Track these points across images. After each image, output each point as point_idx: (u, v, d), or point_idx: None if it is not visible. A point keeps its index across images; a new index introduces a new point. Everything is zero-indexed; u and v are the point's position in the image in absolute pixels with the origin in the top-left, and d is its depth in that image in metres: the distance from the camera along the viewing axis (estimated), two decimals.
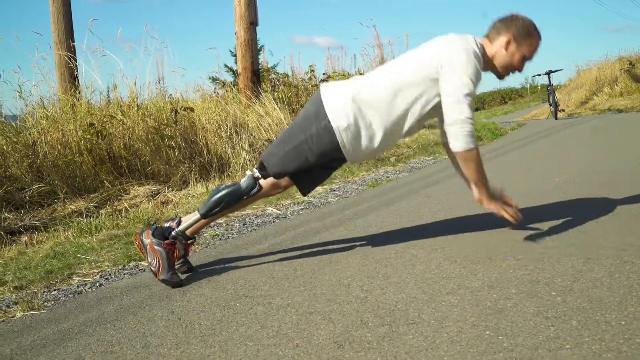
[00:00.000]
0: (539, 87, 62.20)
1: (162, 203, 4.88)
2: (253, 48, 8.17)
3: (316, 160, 2.44)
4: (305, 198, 4.45)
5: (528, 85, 65.48)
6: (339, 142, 2.37)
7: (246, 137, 6.72)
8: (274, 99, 7.82)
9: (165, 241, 2.46)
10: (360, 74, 10.01)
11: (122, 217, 4.28)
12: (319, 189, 4.93)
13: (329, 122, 2.35)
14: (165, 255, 2.42)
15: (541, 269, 2.12)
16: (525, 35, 2.41)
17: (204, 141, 6.30)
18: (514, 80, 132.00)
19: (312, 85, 9.50)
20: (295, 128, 2.47)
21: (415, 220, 3.23)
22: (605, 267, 2.06)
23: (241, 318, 1.96)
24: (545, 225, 2.73)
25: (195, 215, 2.53)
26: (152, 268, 2.42)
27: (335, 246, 2.83)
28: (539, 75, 12.45)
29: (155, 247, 2.45)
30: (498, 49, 2.42)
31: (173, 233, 2.50)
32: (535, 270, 2.10)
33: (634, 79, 18.05)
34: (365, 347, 1.61)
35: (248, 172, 2.52)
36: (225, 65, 17.20)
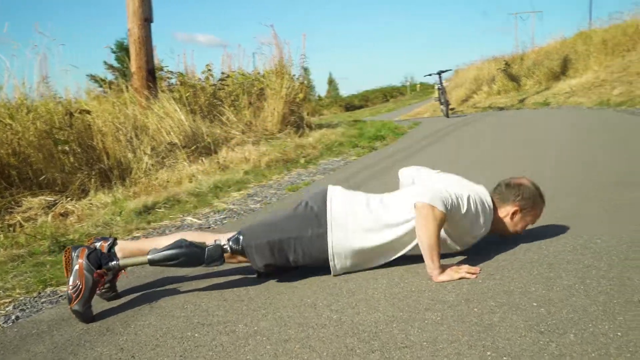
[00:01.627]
0: (418, 86, 64.93)
1: (62, 215, 4.45)
2: (148, 46, 7.76)
3: (295, 262, 2.30)
4: (225, 205, 4.23)
5: (408, 83, 68.14)
6: (329, 254, 2.26)
7: (148, 140, 6.34)
8: (173, 100, 7.45)
9: (98, 270, 2.17)
10: (259, 74, 9.85)
11: (17, 233, 3.85)
12: (235, 194, 4.73)
13: (326, 231, 2.24)
14: (91, 285, 2.13)
15: (509, 277, 2.08)
16: (531, 206, 2.38)
17: (101, 146, 5.85)
18: (394, 79, 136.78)
19: (209, 85, 9.18)
20: (290, 220, 2.32)
21: None
22: (571, 272, 2.06)
23: (207, 352, 1.75)
24: None
25: (142, 257, 2.24)
26: (69, 291, 2.11)
27: None
28: (430, 75, 12.88)
29: (85, 271, 2.16)
30: (504, 216, 2.38)
31: (110, 264, 2.21)
32: (505, 280, 2.06)
33: (510, 78, 19.22)
34: None
35: (217, 241, 2.29)
36: (105, 63, 16.13)
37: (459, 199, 2.18)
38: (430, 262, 2.13)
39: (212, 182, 5.13)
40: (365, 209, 2.29)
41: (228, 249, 2.27)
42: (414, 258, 2.29)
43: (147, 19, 7.67)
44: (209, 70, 9.39)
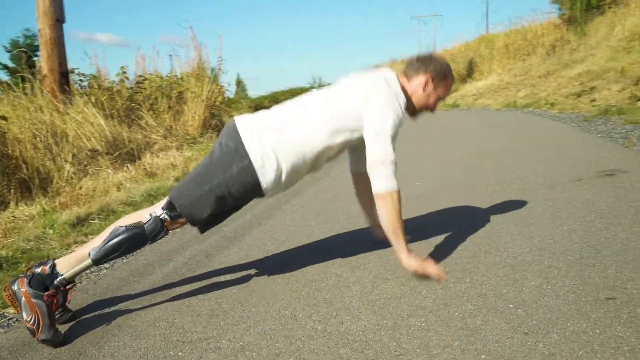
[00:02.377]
0: (327, 87, 65.21)
1: None
2: (60, 47, 7.44)
3: (234, 203, 2.24)
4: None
5: (316, 84, 68.78)
6: (261, 181, 2.18)
7: (69, 147, 6.05)
8: (91, 104, 7.16)
9: (47, 292, 2.05)
10: (177, 77, 9.64)
11: None
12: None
13: (251, 161, 2.15)
14: (46, 310, 2.01)
15: (479, 280, 2.17)
16: (442, 76, 2.40)
17: (18, 154, 5.52)
18: (302, 80, 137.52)
19: (125, 88, 8.86)
20: (211, 166, 2.20)
21: (309, 235, 3.13)
22: (535, 273, 2.17)
23: None
24: (443, 233, 2.82)
25: (85, 261, 2.13)
26: (28, 325, 1.99)
27: (243, 271, 2.63)
28: None
29: (33, 299, 2.02)
30: (416, 88, 2.38)
31: (56, 282, 2.09)
32: (475, 283, 2.15)
33: None
34: None
35: (152, 214, 2.19)
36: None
37: (393, 132, 2.20)
38: (398, 245, 2.19)
39: (144, 190, 4.98)
40: (274, 121, 2.27)
41: (167, 217, 2.18)
42: (382, 264, 2.33)
43: (58, 20, 7.34)
44: (124, 72, 9.05)
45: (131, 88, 8.95)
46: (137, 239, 2.12)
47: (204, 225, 2.32)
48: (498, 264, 2.32)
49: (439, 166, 4.87)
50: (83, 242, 3.56)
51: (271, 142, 2.18)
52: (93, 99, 7.40)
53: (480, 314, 1.87)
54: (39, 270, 2.11)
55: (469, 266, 2.34)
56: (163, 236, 2.18)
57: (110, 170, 6.03)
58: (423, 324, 1.85)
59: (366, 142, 2.20)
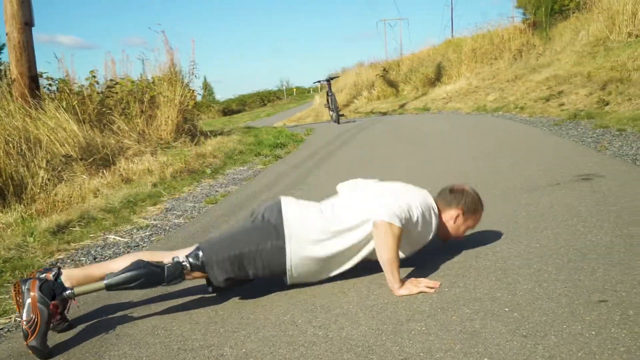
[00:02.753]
0: (295, 90, 65.54)
1: None
2: (30, 51, 7.33)
3: (254, 274, 2.31)
4: (146, 221, 4.10)
5: (284, 87, 68.64)
6: (287, 266, 2.29)
7: (42, 153, 5.95)
8: (62, 108, 7.05)
9: (53, 302, 2.05)
10: (149, 81, 9.54)
11: None
12: (151, 208, 4.59)
13: (285, 245, 2.26)
14: (47, 319, 2.01)
15: (472, 285, 2.22)
16: (473, 210, 2.55)
17: None
18: (270, 83, 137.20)
19: (96, 93, 8.74)
20: (249, 233, 2.32)
21: None
22: (526, 277, 2.23)
23: None
24: None
25: (97, 283, 2.15)
26: (24, 327, 1.99)
27: None
28: (319, 82, 13.13)
29: (39, 304, 2.03)
30: (447, 219, 2.52)
31: (65, 294, 2.11)
32: (469, 287, 2.20)
33: (389, 83, 20.04)
34: None
35: (175, 258, 2.24)
36: None
37: (410, 211, 2.29)
38: (391, 276, 2.23)
39: (122, 197, 4.93)
40: (319, 217, 2.36)
41: (187, 265, 2.23)
42: (374, 269, 2.37)
43: (27, 23, 7.24)
44: (94, 77, 8.92)
45: (102, 92, 8.84)
46: (154, 278, 2.16)
47: (217, 287, 2.34)
48: (489, 268, 2.38)
49: (416, 171, 4.93)
50: (66, 250, 3.52)
51: (307, 233, 2.29)
52: (64, 103, 7.29)
53: (478, 318, 1.92)
54: (42, 277, 2.11)
55: (461, 271, 2.39)
56: (178, 282, 2.23)
57: (85, 176, 5.95)
58: (423, 328, 1.89)
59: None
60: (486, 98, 12.21)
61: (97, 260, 3.27)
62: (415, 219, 2.30)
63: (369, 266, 2.52)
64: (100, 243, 3.65)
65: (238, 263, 2.26)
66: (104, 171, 6.20)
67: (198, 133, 9.47)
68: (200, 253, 2.26)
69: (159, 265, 2.18)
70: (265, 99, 59.02)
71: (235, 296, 2.40)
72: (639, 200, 3.09)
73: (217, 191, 5.20)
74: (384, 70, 21.11)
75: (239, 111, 48.61)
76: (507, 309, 1.96)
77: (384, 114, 15.00)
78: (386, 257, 2.19)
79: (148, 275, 2.13)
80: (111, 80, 9.06)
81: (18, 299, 2.09)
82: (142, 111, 8.83)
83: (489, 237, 2.79)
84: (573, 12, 15.48)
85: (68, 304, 2.22)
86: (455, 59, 17.87)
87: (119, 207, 4.61)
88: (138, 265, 2.15)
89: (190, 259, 2.25)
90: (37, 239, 3.73)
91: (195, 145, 8.52)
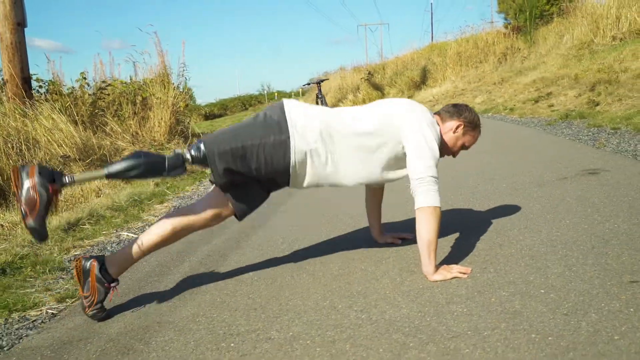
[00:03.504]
0: (276, 94, 65.56)
1: None
2: (22, 52, 7.31)
3: (257, 171, 2.27)
4: (157, 219, 4.11)
5: (265, 92, 68.71)
6: (291, 162, 2.27)
7: (41, 154, 5.93)
8: (57, 110, 7.03)
9: (52, 185, 2.07)
10: (140, 83, 9.52)
11: None
12: (158, 206, 4.60)
13: (289, 138, 2.24)
14: (46, 201, 2.04)
15: (503, 270, 2.28)
16: (473, 126, 2.58)
17: None
18: (251, 87, 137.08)
19: (87, 95, 8.72)
20: (251, 128, 2.28)
21: (319, 234, 3.21)
22: (554, 262, 2.30)
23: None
24: (453, 232, 2.95)
25: (97, 172, 2.19)
26: (22, 207, 2.04)
27: (263, 268, 2.69)
28: (309, 84, 13.23)
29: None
30: (447, 130, 2.54)
31: (65, 180, 2.13)
32: (500, 272, 2.26)
33: (374, 87, 20.20)
34: None
35: (176, 150, 2.25)
36: None
37: (434, 152, 2.32)
38: (428, 260, 2.26)
39: (127, 196, 4.94)
40: (325, 113, 2.38)
41: (189, 157, 2.24)
42: (404, 257, 2.43)
43: (20, 24, 7.21)
44: (84, 78, 8.90)
45: (94, 94, 8.82)
46: (154, 166, 2.18)
47: (217, 179, 2.31)
48: (515, 255, 2.45)
49: None
50: (81, 246, 3.53)
51: (317, 129, 2.27)
52: (58, 105, 7.27)
53: (516, 299, 1.98)
54: (88, 264, 2.15)
55: (489, 257, 2.46)
56: (179, 173, 2.24)
57: None
58: (465, 310, 1.94)
59: (409, 159, 2.32)
60: (474, 100, 12.37)
61: None
62: (436, 151, 2.34)
63: (398, 254, 2.58)
64: (114, 240, 3.66)
65: (240, 156, 2.22)
66: None
67: (190, 135, 9.48)
68: (202, 145, 2.24)
69: (160, 155, 2.20)
70: (246, 103, 58.89)
71: (270, 285, 2.44)
72: None
73: None
74: (369, 73, 21.28)
75: (220, 115, 48.37)
76: (542, 291, 2.03)
77: None
78: (427, 238, 2.22)
79: (148, 163, 2.15)
80: (103, 81, 9.05)
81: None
82: (134, 113, 8.83)
83: (509, 227, 2.87)
84: (552, 17, 15.81)
85: (110, 294, 2.25)
86: (440, 63, 18.08)
87: (126, 206, 4.62)
88: (138, 154, 2.17)
89: (192, 151, 2.24)
90: (50, 236, 3.73)
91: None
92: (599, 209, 2.96)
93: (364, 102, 19.96)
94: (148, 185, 5.51)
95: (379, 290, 2.23)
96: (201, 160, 2.23)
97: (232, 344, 1.89)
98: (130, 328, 2.13)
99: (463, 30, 19.93)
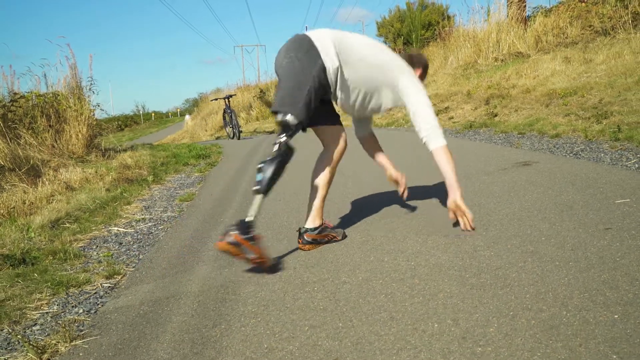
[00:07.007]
0: (153, 114, 63.90)
1: None
2: None
3: (317, 98, 2.68)
4: (138, 216, 4.28)
5: (141, 112, 66.72)
6: (331, 85, 2.72)
7: None
8: None
9: (255, 234, 2.50)
10: (53, 95, 9.33)
11: None
12: (128, 206, 4.74)
13: (323, 61, 2.66)
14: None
15: (505, 228, 2.82)
16: (426, 67, 3.20)
17: None
18: (127, 108, 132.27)
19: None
20: (300, 77, 2.63)
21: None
22: (538, 221, 2.87)
23: (354, 289, 2.14)
24: (428, 213, 3.46)
25: (257, 199, 2.54)
26: (254, 264, 2.54)
27: (280, 250, 3.04)
28: (216, 99, 13.54)
29: (251, 242, 2.47)
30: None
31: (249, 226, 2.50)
32: (502, 230, 2.80)
33: (267, 104, 20.67)
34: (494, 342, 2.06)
35: (276, 144, 2.60)
36: None
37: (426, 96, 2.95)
38: (456, 183, 2.87)
39: (86, 200, 4.99)
40: (341, 37, 2.80)
41: (284, 137, 2.61)
42: (408, 224, 2.90)
43: None
44: None
45: (4, 106, 8.56)
46: (283, 164, 2.59)
47: (306, 123, 2.74)
48: (503, 219, 3.00)
49: (361, 167, 5.53)
50: (81, 240, 3.66)
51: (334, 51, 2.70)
52: None
53: (529, 243, 2.51)
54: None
55: (484, 222, 2.99)
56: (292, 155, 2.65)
57: (23, 186, 5.88)
58: (492, 253, 2.45)
59: (416, 108, 2.88)
60: (374, 117, 13.17)
61: (122, 244, 3.47)
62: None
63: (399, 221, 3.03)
64: (103, 234, 3.81)
65: (310, 96, 2.61)
66: (45, 180, 6.13)
67: (103, 149, 9.45)
68: (289, 117, 2.60)
69: (275, 157, 2.57)
70: (122, 123, 57.17)
71: (316, 260, 2.81)
72: (578, 174, 3.89)
73: (178, 193, 5.41)
74: (261, 91, 21.76)
75: (95, 136, 46.58)
76: (543, 239, 2.58)
77: (271, 132, 15.53)
78: (451, 168, 2.85)
79: (278, 168, 2.55)
80: (15, 93, 8.81)
81: (235, 250, 2.43)
82: (50, 125, 8.68)
83: (483, 204, 3.43)
84: (428, 42, 17.30)
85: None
86: None
87: (93, 208, 4.70)
88: (265, 166, 2.55)
89: (284, 135, 2.62)
90: (36, 234, 3.80)
91: (108, 159, 8.55)
92: (550, 187, 3.61)
93: (257, 119, 20.41)
94: (100, 190, 5.56)
95: (411, 264, 2.68)
96: (298, 127, 2.64)
97: (309, 289, 2.26)
98: (211, 285, 2.42)
99: None
